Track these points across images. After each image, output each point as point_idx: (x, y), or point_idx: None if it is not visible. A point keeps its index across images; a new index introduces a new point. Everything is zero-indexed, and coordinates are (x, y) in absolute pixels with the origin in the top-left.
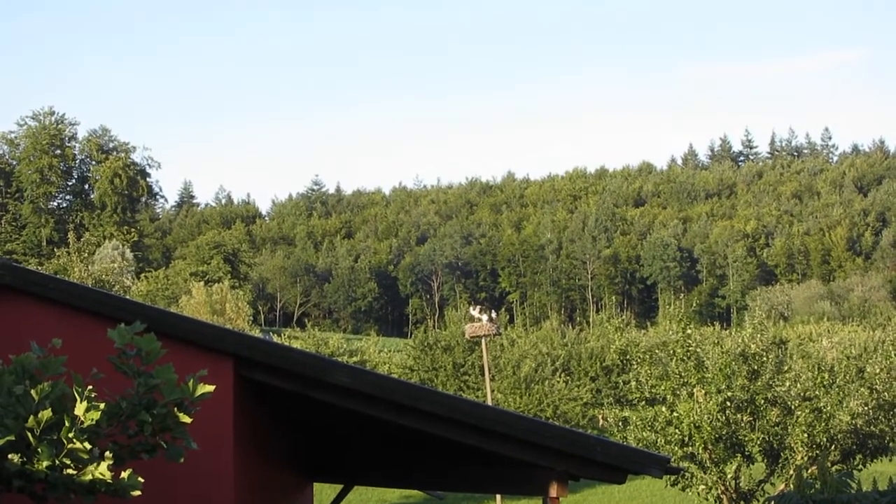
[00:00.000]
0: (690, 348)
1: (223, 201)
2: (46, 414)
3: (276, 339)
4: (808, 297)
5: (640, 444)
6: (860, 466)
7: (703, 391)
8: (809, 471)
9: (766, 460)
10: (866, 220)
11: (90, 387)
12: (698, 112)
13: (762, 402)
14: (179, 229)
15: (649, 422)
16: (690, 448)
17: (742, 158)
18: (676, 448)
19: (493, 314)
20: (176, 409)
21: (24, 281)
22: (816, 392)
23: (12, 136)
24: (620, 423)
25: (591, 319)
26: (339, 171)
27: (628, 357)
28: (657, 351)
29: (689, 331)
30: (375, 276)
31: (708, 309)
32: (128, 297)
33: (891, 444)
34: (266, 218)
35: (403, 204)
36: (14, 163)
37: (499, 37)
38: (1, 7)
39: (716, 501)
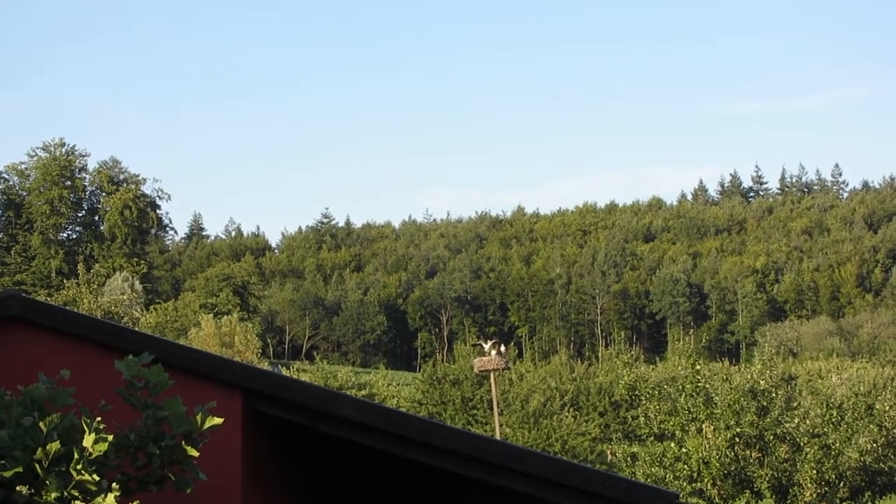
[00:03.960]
0: (699, 384)
1: (233, 234)
2: (55, 445)
3: (284, 371)
4: (817, 334)
5: (649, 480)
6: (869, 503)
7: (712, 427)
8: None
9: (774, 497)
10: (876, 256)
11: (99, 418)
12: (708, 148)
13: (771, 438)
14: (189, 261)
15: (658, 457)
16: (699, 484)
17: (752, 194)
18: (685, 484)
19: (502, 348)
20: (184, 441)
21: (33, 312)
22: (825, 429)
23: (23, 167)
24: (629, 459)
25: (599, 354)
26: (349, 204)
27: (637, 392)
28: (666, 386)
29: (698, 366)
30: (384, 310)
31: (717, 345)
32: (137, 328)
33: None
34: (275, 251)
35: (413, 237)
36: (24, 194)
37: (509, 72)
38: (12, 40)
39: None
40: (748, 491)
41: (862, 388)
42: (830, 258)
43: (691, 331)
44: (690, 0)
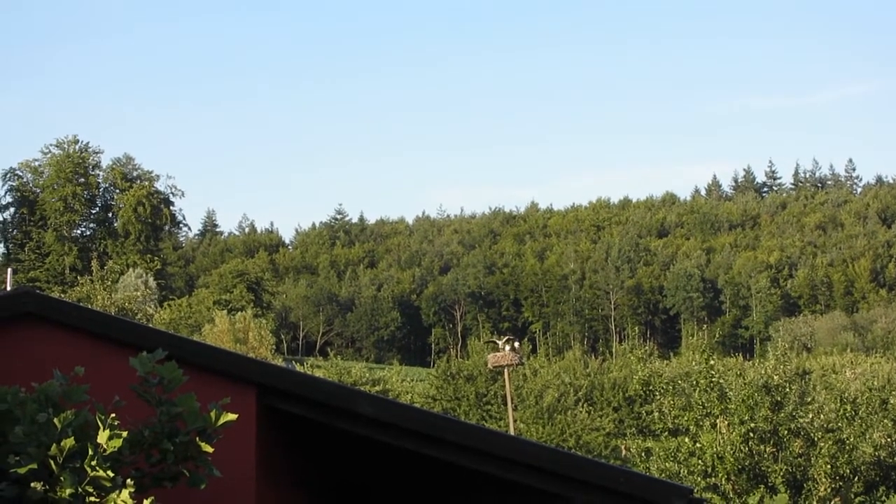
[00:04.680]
0: (713, 379)
1: (246, 230)
2: (69, 442)
3: (298, 368)
4: (831, 329)
5: (663, 475)
6: (883, 498)
7: (727, 422)
8: (833, 502)
9: (789, 491)
10: (890, 251)
11: (113, 415)
12: (722, 143)
13: (785, 433)
14: (203, 258)
15: (672, 452)
16: (713, 479)
17: (766, 189)
18: (699, 479)
19: (516, 344)
20: (198, 437)
21: (47, 309)
22: (839, 423)
23: (36, 164)
24: (643, 454)
25: (613, 350)
26: (363, 200)
27: (651, 387)
28: (680, 382)
29: (711, 362)
30: (398, 306)
31: (731, 340)
32: (151, 325)
33: None
34: (289, 247)
35: (426, 233)
36: (38, 191)
37: (522, 68)
38: (25, 37)
39: None
40: (763, 486)
41: (876, 383)
42: (844, 253)
43: (705, 326)
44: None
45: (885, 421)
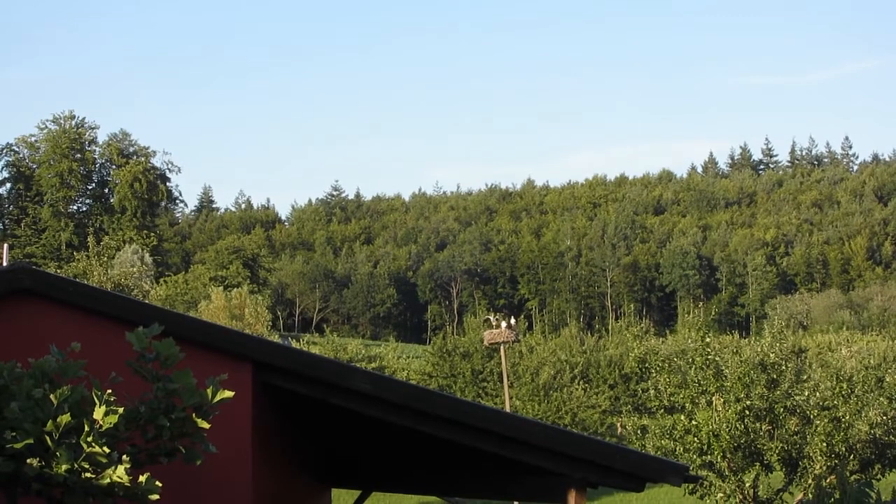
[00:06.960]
0: (709, 357)
1: (243, 206)
2: (65, 418)
3: (294, 344)
4: (827, 307)
5: (659, 452)
6: (879, 476)
7: (722, 400)
8: (828, 480)
9: (784, 469)
10: (886, 229)
11: (109, 391)
12: (719, 120)
13: (781, 410)
14: (199, 234)
15: (668, 430)
16: (709, 456)
17: (762, 167)
18: (695, 456)
19: (512, 321)
20: (194, 413)
21: (43, 285)
22: (835, 401)
23: (33, 139)
24: (639, 431)
25: (609, 327)
26: (359, 176)
27: (647, 365)
28: (676, 359)
29: (707, 339)
30: (394, 282)
31: (727, 317)
32: (147, 301)
33: None
34: (285, 223)
35: (423, 210)
36: (34, 166)
37: (519, 46)
38: (23, 13)
39: None
40: (758, 463)
41: (872, 361)
42: (840, 231)
43: (701, 303)
44: None
45: (881, 399)
